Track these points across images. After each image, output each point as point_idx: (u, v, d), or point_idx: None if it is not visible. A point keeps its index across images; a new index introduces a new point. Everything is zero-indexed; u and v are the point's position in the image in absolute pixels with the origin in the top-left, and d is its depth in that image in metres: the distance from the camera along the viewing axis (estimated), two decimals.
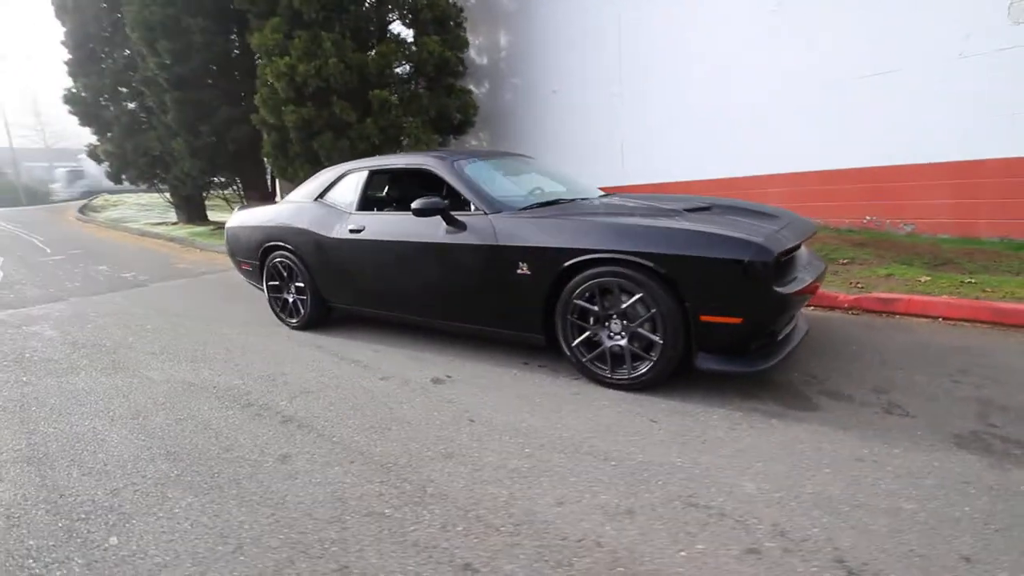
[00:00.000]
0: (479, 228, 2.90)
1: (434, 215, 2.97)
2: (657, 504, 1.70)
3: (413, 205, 2.96)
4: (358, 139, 8.16)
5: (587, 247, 2.50)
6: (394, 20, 9.07)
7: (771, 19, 6.13)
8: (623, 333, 2.53)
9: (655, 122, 7.95)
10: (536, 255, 2.67)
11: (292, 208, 3.95)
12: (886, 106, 5.34)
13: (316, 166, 8.78)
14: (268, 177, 12.47)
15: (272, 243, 4.01)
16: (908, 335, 3.17)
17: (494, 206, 2.94)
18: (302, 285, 3.88)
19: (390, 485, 1.89)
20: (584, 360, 2.65)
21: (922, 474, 1.78)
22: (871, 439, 2.02)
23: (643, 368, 2.48)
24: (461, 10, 9.29)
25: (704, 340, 2.34)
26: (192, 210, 13.03)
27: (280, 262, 3.99)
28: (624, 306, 2.46)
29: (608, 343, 2.57)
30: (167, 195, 13.22)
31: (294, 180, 9.34)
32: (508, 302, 2.85)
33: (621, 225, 2.48)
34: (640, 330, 2.46)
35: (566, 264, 2.56)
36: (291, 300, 4.03)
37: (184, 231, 11.56)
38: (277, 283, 4.10)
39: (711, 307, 2.28)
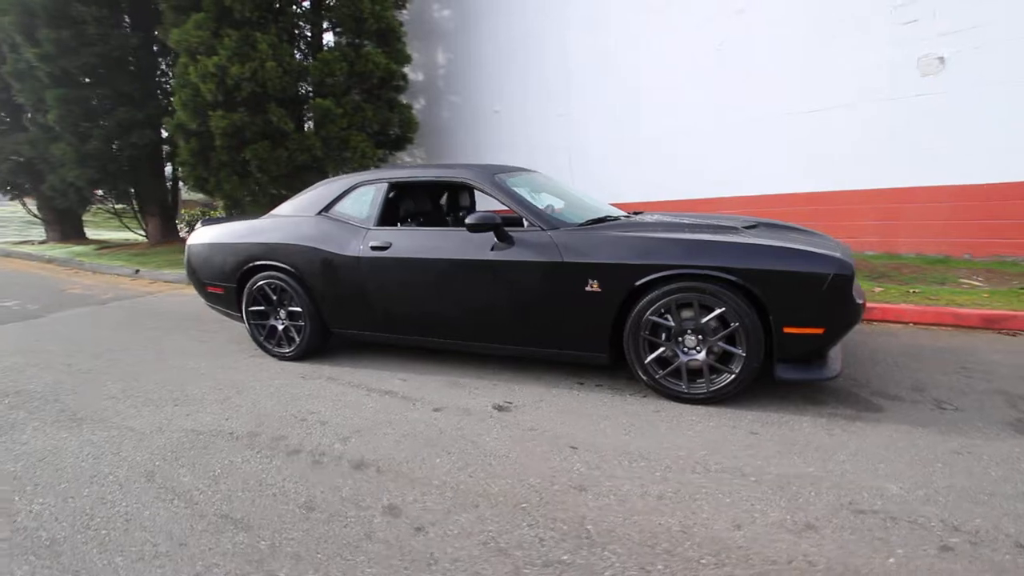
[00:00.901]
0: (538, 244, 2.78)
1: (488, 231, 2.80)
2: (829, 515, 1.70)
3: (468, 220, 2.76)
4: (298, 150, 7.52)
5: (668, 263, 2.49)
6: (329, 29, 8.58)
7: (714, 56, 6.76)
8: (699, 347, 2.56)
9: (603, 146, 8.31)
10: (609, 271, 2.61)
11: (287, 223, 3.50)
12: (817, 139, 6.11)
13: (245, 178, 7.94)
14: (171, 189, 11.01)
15: (258, 263, 3.50)
16: (895, 339, 3.58)
17: (551, 222, 2.84)
18: (298, 310, 3.43)
19: (544, 527, 1.69)
20: (658, 376, 2.63)
21: (1016, 458, 2.00)
22: (948, 433, 2.21)
23: (724, 381, 2.51)
24: (401, 24, 9.06)
25: (785, 351, 2.44)
26: (68, 226, 11.09)
27: (268, 284, 3.50)
28: (704, 320, 2.49)
29: (684, 358, 2.58)
30: (34, 208, 11.11)
31: (217, 193, 8.35)
32: (573, 320, 2.75)
33: (703, 242, 2.52)
34: (720, 343, 2.50)
35: (643, 280, 2.54)
36: (281, 327, 3.55)
37: (61, 251, 9.78)
38: (262, 308, 3.58)
39: (796, 319, 2.38)
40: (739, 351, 2.46)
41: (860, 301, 2.46)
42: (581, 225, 2.87)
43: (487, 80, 10.00)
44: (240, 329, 4.47)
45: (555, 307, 2.76)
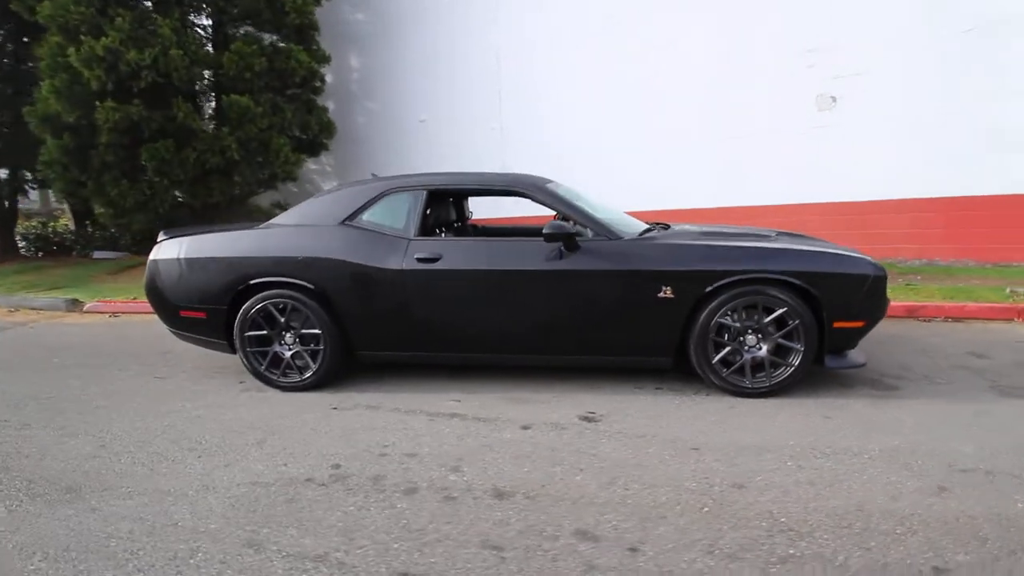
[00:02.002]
0: (608, 253, 2.81)
1: (562, 240, 2.75)
2: (946, 477, 1.98)
3: (545, 230, 2.69)
4: (209, 151, 6.56)
5: (741, 268, 2.69)
6: (237, 20, 7.66)
7: (648, 85, 7.39)
8: (759, 345, 2.80)
9: (538, 161, 8.54)
10: (683, 278, 2.73)
11: (301, 234, 3.06)
12: (737, 161, 6.99)
13: (137, 182, 6.68)
14: (6, 194, 8.81)
15: (260, 280, 3.01)
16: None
17: (613, 232, 2.89)
18: (315, 332, 3.01)
19: (746, 527, 1.71)
20: (724, 375, 2.81)
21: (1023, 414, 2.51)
22: (961, 401, 2.67)
23: (784, 374, 2.77)
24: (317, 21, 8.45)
25: (833, 343, 2.78)
26: None
27: (275, 304, 3.02)
28: (767, 320, 2.74)
29: (747, 355, 2.80)
30: None
31: (96, 199, 6.89)
32: (645, 326, 2.81)
33: (771, 249, 2.77)
34: (781, 340, 2.76)
35: (717, 284, 2.71)
36: (288, 354, 3.08)
37: None
38: (264, 333, 3.07)
39: (844, 315, 2.72)
40: (798, 346, 2.74)
41: (888, 298, 2.91)
42: (641, 235, 2.97)
43: (409, 88, 9.71)
44: (198, 359, 3.79)
45: (627, 314, 2.81)
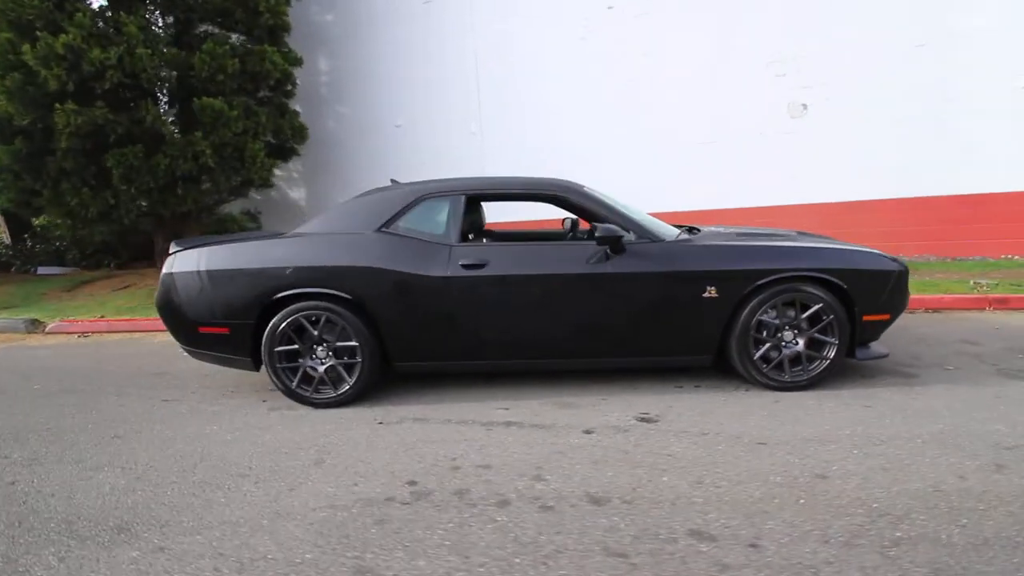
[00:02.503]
0: (652, 255, 2.85)
1: (611, 243, 2.77)
2: (999, 455, 2.12)
3: (598, 233, 2.71)
4: (181, 157, 6.17)
5: (783, 267, 2.80)
6: (204, 19, 7.25)
7: (624, 91, 7.58)
8: (795, 340, 2.92)
9: (520, 164, 8.55)
10: (727, 277, 2.82)
11: (336, 242, 2.92)
12: (708, 165, 7.28)
13: (102, 191, 6.17)
14: None
15: (293, 291, 2.86)
16: None
17: (655, 234, 2.94)
18: (352, 344, 2.88)
19: (852, 515, 1.77)
20: (765, 370, 2.91)
21: None
22: (976, 385, 2.88)
23: (820, 367, 2.90)
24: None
25: (863, 337, 2.94)
26: None
27: (308, 316, 2.87)
28: (804, 316, 2.86)
29: (786, 351, 2.91)
30: None
31: (53, 209, 6.30)
32: (690, 326, 2.88)
33: (808, 248, 2.90)
34: (816, 335, 2.89)
35: (761, 282, 2.81)
36: (322, 368, 2.93)
37: None
38: (295, 347, 2.92)
39: (873, 309, 2.88)
40: (832, 339, 2.87)
41: (909, 292, 3.11)
42: (678, 236, 3.04)
43: (383, 92, 9.51)
44: (203, 378, 3.56)
45: (673, 314, 2.86)
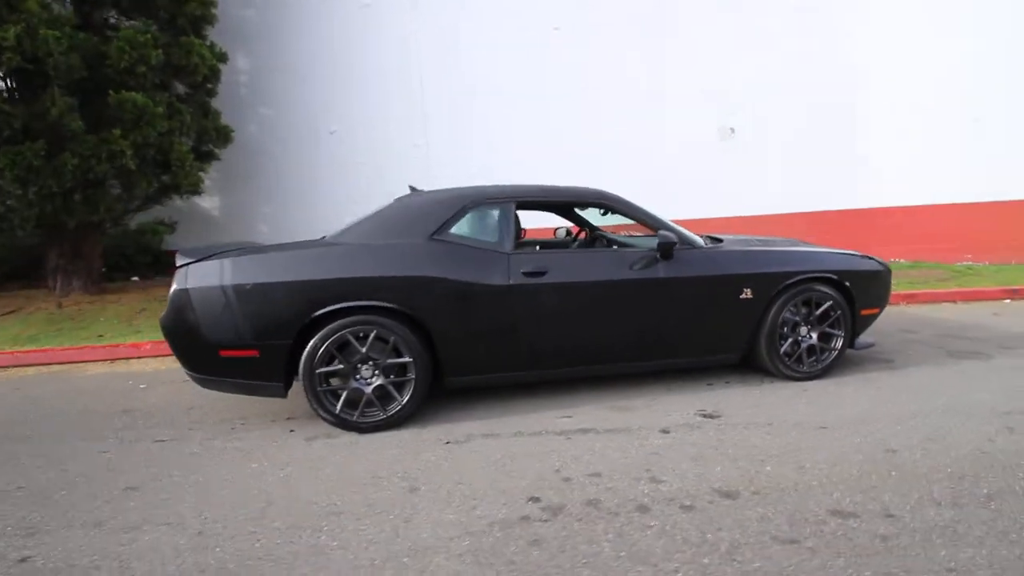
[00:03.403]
0: (696, 261, 3.02)
1: (665, 250, 2.88)
2: (1001, 419, 2.55)
3: (660, 241, 2.81)
4: (94, 158, 5.24)
5: (802, 269, 3.12)
6: (112, 5, 6.25)
7: (572, 107, 7.88)
8: (810, 334, 3.26)
9: (470, 174, 8.45)
10: (761, 280, 3.07)
11: (391, 251, 2.70)
12: (651, 179, 7.83)
13: None
14: None
15: (340, 306, 2.58)
16: None
17: (694, 242, 3.11)
18: (406, 360, 2.67)
19: (965, 490, 2.03)
20: (788, 363, 3.20)
21: (995, 368, 3.32)
22: (940, 366, 3.45)
23: (829, 358, 3.25)
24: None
25: (859, 328, 3.36)
26: None
27: (355, 333, 2.61)
28: (818, 312, 3.20)
29: (804, 344, 3.23)
30: None
31: None
32: (729, 326, 3.08)
33: (816, 252, 3.26)
34: (827, 329, 3.25)
35: (788, 283, 3.10)
36: (369, 389, 2.67)
37: None
38: (340, 367, 2.63)
39: (867, 303, 3.32)
40: (840, 333, 3.26)
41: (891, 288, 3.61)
42: (711, 244, 3.25)
43: (315, 95, 8.91)
44: (194, 412, 3.09)
45: (715, 315, 3.06)
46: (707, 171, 7.64)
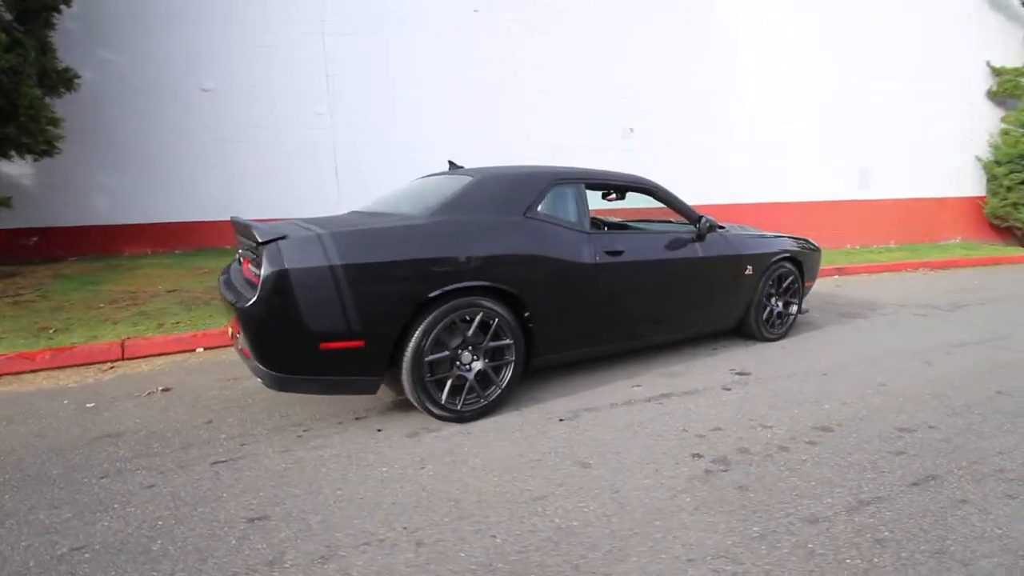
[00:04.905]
0: (719, 243, 3.50)
1: (708, 232, 3.28)
2: (928, 353, 3.58)
3: (704, 224, 3.23)
4: None
5: (782, 249, 3.85)
6: None
7: (492, 92, 7.91)
8: (778, 303, 4.02)
9: (376, 152, 7.86)
10: (759, 259, 3.69)
11: (496, 227, 2.58)
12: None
13: None
14: None
15: (455, 286, 2.38)
16: None
17: (712, 224, 3.57)
18: (507, 342, 2.60)
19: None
20: (766, 327, 3.90)
21: (895, 323, 4.52)
22: (854, 319, 4.59)
23: (789, 321, 4.06)
24: None
25: (802, 298, 4.25)
26: None
27: (460, 316, 2.45)
28: (783, 285, 3.97)
29: (776, 311, 3.97)
30: None
31: None
32: (736, 298, 3.64)
33: (783, 237, 3.99)
34: (788, 299, 4.04)
35: (774, 261, 3.77)
36: (471, 375, 2.54)
37: None
38: (445, 354, 2.44)
39: (810, 277, 4.21)
40: (796, 301, 4.09)
41: None
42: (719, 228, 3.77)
43: (177, 40, 7.31)
44: (199, 427, 2.58)
45: (729, 289, 3.59)
46: (611, 166, 8.44)
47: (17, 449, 2.34)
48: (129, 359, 3.63)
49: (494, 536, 1.71)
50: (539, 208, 2.84)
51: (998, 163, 8.82)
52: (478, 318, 2.51)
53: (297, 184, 7.74)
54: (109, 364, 3.52)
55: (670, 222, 3.88)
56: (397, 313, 2.30)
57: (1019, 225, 8.76)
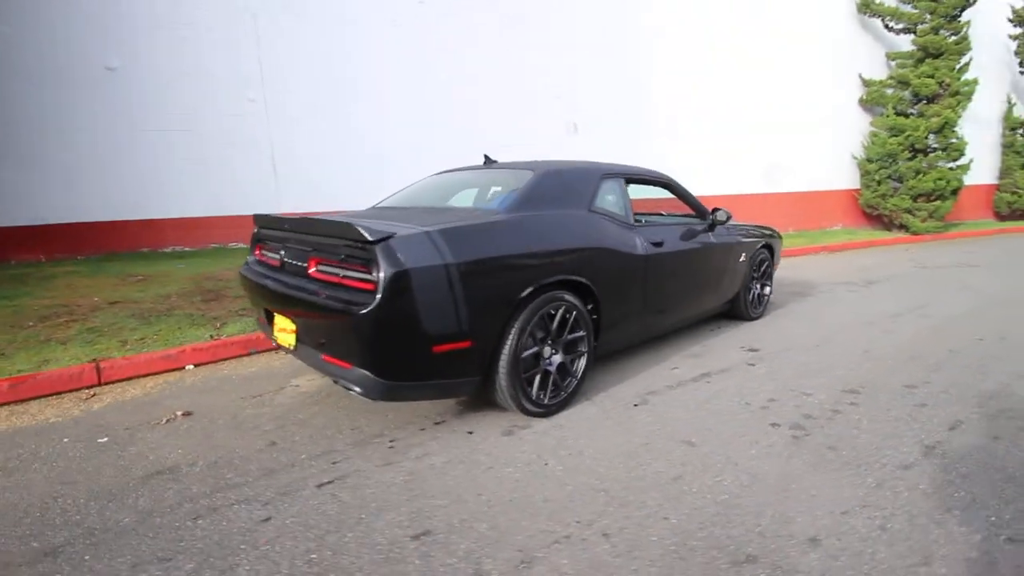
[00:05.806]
0: (724, 232, 3.81)
1: (723, 222, 3.56)
2: (874, 325, 4.22)
3: (720, 214, 3.52)
4: None
5: (764, 236, 4.29)
6: None
7: (443, 86, 7.70)
8: (758, 285, 4.48)
9: (316, 145, 7.27)
10: (749, 247, 4.09)
11: (570, 221, 2.58)
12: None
13: None
14: None
15: (546, 281, 2.38)
16: None
17: (728, 216, 3.86)
18: (581, 335, 2.65)
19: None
20: (751, 307, 4.33)
21: (846, 299, 5.21)
22: (814, 295, 5.23)
23: (766, 301, 4.55)
24: None
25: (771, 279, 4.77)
26: None
27: (548, 312, 2.45)
28: (761, 269, 4.43)
29: (756, 293, 4.42)
30: None
31: None
32: (734, 281, 4.01)
33: (760, 226, 4.43)
34: (765, 281, 4.52)
35: (757, 247, 4.19)
36: (554, 368, 2.56)
37: None
38: (536, 350, 2.43)
39: (775, 261, 4.73)
40: (770, 282, 4.59)
41: None
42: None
43: (78, 14, 6.15)
44: (295, 432, 2.38)
45: (730, 273, 3.94)
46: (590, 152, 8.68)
47: (50, 502, 1.92)
48: (107, 383, 3.09)
49: (666, 518, 1.79)
50: (597, 202, 2.91)
51: (870, 160, 10.49)
52: (560, 312, 2.53)
53: (225, 178, 6.95)
54: (88, 391, 2.96)
55: (673, 215, 4.15)
56: (501, 311, 2.25)
57: (886, 212, 10.51)
